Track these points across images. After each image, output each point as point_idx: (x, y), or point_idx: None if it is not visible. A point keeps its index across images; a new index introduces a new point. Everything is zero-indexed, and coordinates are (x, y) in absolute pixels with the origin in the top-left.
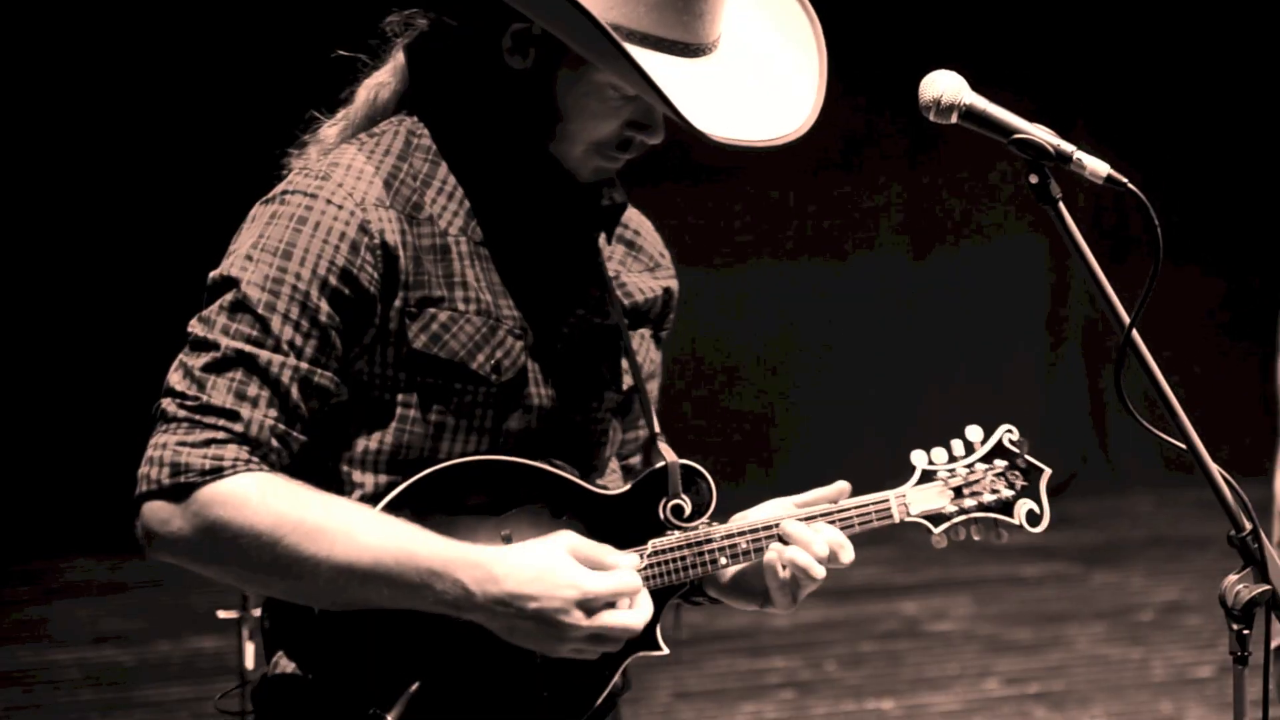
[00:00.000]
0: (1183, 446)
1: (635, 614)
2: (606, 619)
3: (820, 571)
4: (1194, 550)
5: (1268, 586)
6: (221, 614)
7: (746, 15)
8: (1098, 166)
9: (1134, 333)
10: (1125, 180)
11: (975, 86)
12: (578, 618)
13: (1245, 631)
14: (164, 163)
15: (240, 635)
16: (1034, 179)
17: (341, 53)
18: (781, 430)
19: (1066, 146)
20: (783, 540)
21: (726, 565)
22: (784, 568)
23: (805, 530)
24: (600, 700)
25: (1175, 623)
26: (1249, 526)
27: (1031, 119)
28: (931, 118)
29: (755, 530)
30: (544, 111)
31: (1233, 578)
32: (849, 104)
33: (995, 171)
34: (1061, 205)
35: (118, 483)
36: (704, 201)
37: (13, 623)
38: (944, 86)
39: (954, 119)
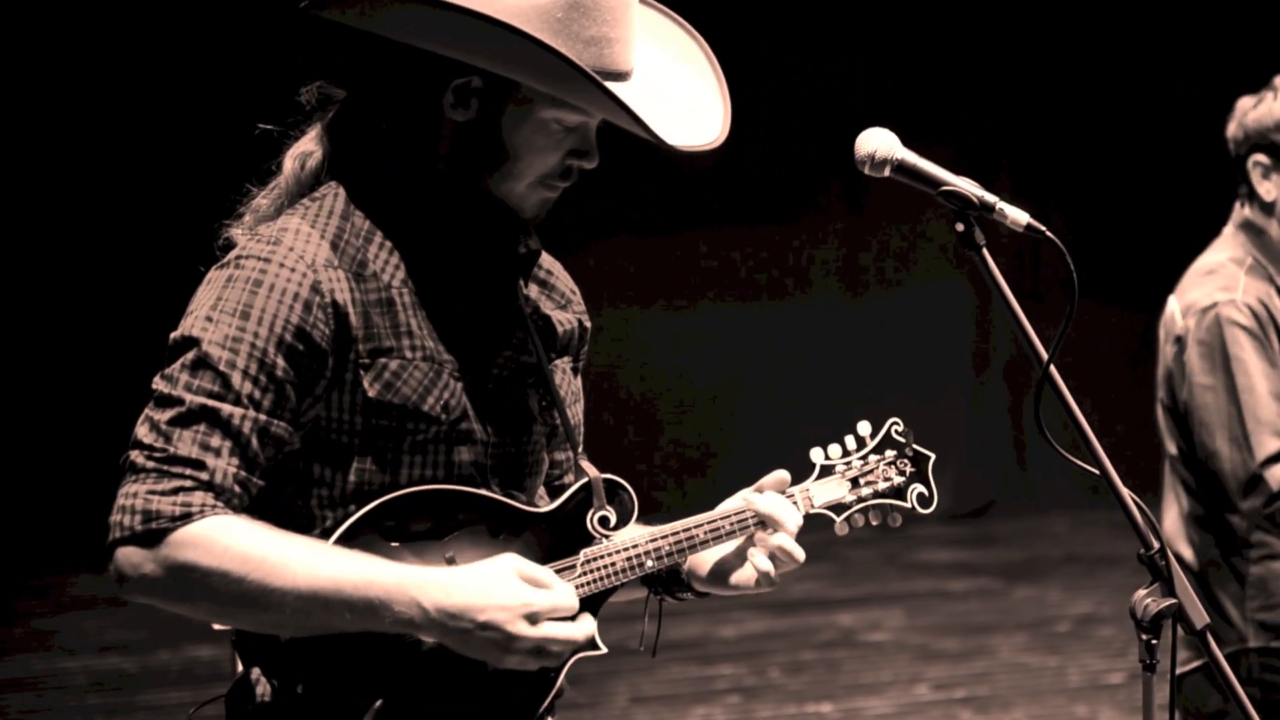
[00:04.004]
0: (1096, 472)
1: (577, 627)
2: (550, 629)
3: (800, 553)
4: (1106, 567)
5: (1174, 600)
6: (217, 625)
7: (642, 47)
8: (1018, 216)
9: (1051, 367)
10: (1044, 229)
11: (906, 141)
12: (523, 628)
13: (1153, 642)
14: (160, 193)
15: (233, 644)
16: (960, 227)
17: (263, 126)
18: (724, 459)
19: (990, 197)
20: (763, 526)
21: (652, 568)
22: (769, 555)
23: (782, 509)
24: (548, 701)
25: (1089, 633)
26: (1157, 545)
27: (958, 171)
28: (866, 171)
29: (677, 534)
30: (492, 153)
31: (1142, 592)
32: (790, 158)
33: (924, 220)
34: (985, 251)
35: None
36: (656, 251)
37: (25, 633)
38: (877, 143)
39: (887, 172)
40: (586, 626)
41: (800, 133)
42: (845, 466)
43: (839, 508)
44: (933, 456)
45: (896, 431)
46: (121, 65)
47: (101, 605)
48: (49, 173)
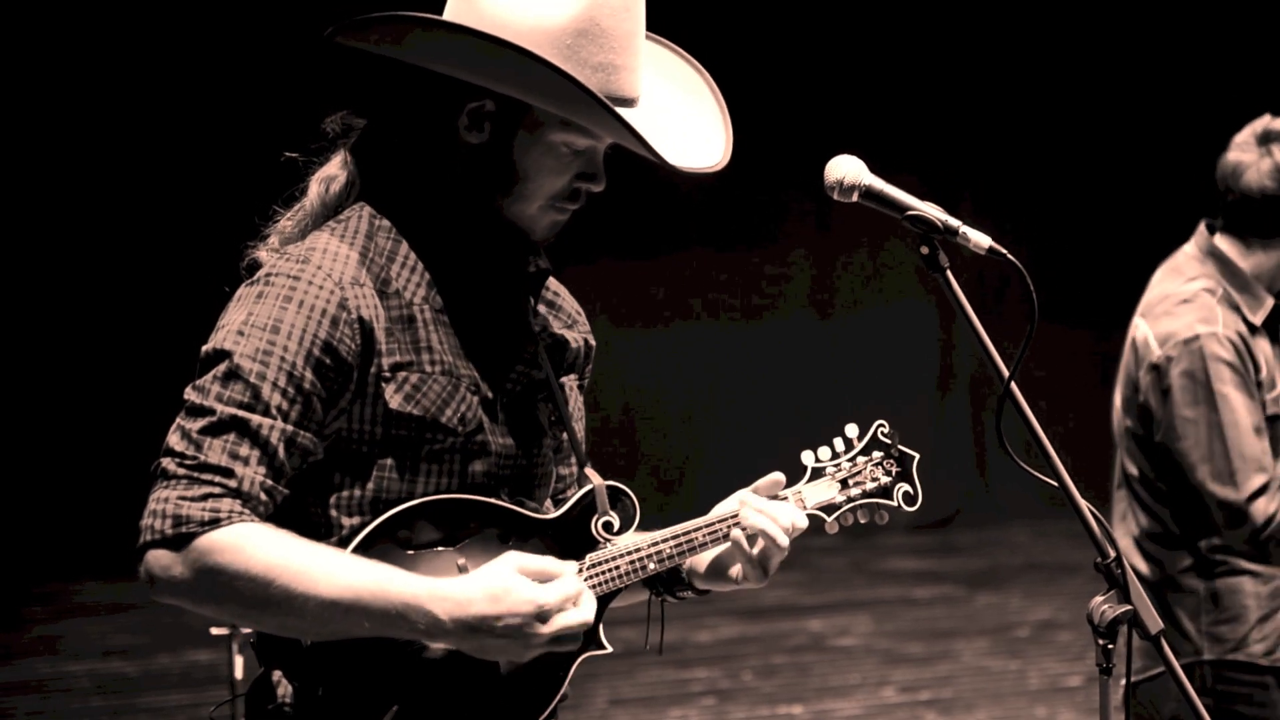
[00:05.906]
0: (1055, 484)
1: (584, 611)
2: (562, 621)
3: (785, 539)
4: (1065, 575)
5: (1129, 607)
6: (215, 631)
7: (650, 78)
8: (980, 239)
9: (1012, 383)
10: (1005, 251)
11: (874, 168)
12: (538, 627)
13: (1109, 646)
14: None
15: (230, 649)
16: (925, 250)
17: (289, 154)
18: (700, 473)
19: (953, 222)
20: (744, 528)
21: (655, 570)
22: (751, 544)
23: (769, 506)
24: (556, 699)
25: (1049, 638)
26: (1113, 554)
27: (923, 195)
28: (835, 197)
29: (677, 537)
30: (504, 174)
31: (1099, 599)
32: (762, 184)
33: (891, 243)
34: (949, 273)
35: (124, 513)
36: (635, 273)
37: (31, 639)
38: (846, 169)
39: (855, 198)
40: (590, 607)
41: (772, 159)
42: (835, 468)
43: (830, 508)
44: (917, 456)
45: (882, 433)
46: (152, 94)
47: (104, 611)
48: (74, 191)
